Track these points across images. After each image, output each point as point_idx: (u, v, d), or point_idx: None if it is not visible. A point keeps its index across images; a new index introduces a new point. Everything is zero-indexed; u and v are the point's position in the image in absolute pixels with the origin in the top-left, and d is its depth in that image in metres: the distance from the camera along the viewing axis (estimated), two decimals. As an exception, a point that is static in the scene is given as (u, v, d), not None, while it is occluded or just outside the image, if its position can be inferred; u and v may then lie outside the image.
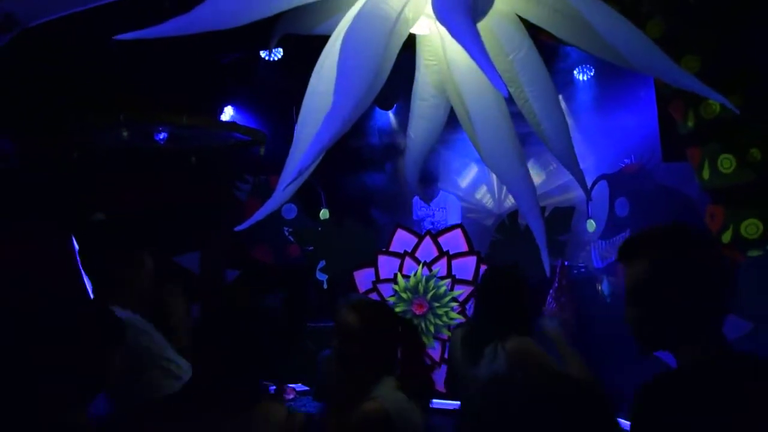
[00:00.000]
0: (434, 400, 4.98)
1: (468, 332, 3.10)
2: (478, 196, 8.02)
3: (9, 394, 1.74)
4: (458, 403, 3.24)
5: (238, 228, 2.50)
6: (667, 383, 1.52)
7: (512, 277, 3.03)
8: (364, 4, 2.11)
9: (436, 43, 2.48)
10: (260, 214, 2.45)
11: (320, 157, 1.94)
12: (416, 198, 6.50)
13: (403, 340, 2.36)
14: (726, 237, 3.62)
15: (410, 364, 2.35)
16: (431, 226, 6.28)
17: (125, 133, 5.00)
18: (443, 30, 2.18)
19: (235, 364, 1.77)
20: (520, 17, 2.38)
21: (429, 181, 6.34)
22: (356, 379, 2.22)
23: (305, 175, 2.00)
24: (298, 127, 2.40)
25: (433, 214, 6.45)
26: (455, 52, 2.36)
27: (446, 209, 6.47)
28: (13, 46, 3.00)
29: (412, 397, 2.21)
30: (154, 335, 2.36)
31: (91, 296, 2.76)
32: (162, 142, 5.45)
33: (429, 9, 2.08)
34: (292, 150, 2.39)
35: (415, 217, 6.61)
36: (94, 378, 1.81)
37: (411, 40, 2.40)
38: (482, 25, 2.05)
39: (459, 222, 6.09)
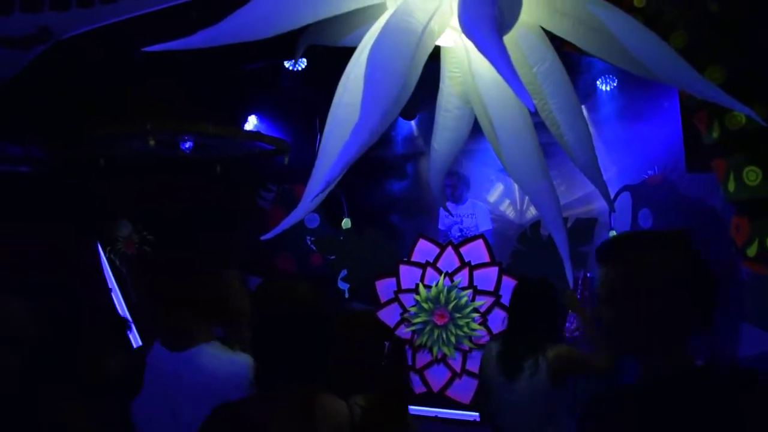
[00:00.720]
0: (452, 412, 5.00)
1: (505, 348, 3.11)
2: (499, 206, 8.01)
3: (15, 390, 1.78)
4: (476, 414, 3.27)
5: (264, 237, 2.53)
6: (618, 398, 1.50)
7: (544, 289, 3.05)
8: (390, 17, 2.14)
9: (461, 54, 2.50)
10: (286, 224, 2.48)
11: (346, 169, 1.97)
12: (441, 209, 6.52)
13: (389, 355, 2.35)
14: (751, 250, 3.58)
15: (391, 379, 2.35)
16: (459, 233, 6.30)
17: (152, 142, 5.08)
18: (468, 42, 2.20)
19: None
20: (543, 29, 2.39)
21: (459, 181, 6.39)
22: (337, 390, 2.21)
23: (331, 186, 2.02)
24: (323, 138, 2.43)
25: (461, 221, 6.47)
26: (480, 64, 2.38)
27: (475, 216, 6.47)
28: (46, 56, 3.09)
29: (388, 412, 2.20)
30: None
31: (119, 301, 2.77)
32: (187, 151, 5.52)
33: (454, 21, 2.10)
34: (318, 161, 2.41)
35: (441, 227, 6.62)
36: (92, 379, 1.84)
37: (434, 50, 2.42)
38: (507, 38, 2.07)
39: (490, 228, 6.09)
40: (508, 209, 8.00)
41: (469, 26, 1.82)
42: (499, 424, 3.11)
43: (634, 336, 1.50)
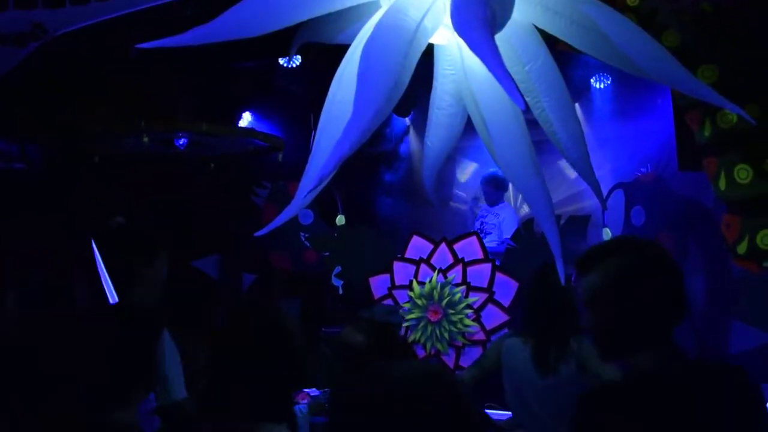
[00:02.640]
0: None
1: (539, 345, 3.07)
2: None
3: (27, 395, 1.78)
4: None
5: (257, 233, 2.54)
6: (610, 393, 1.57)
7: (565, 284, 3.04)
8: (384, 15, 2.15)
9: (454, 52, 2.51)
10: (279, 220, 2.49)
11: (340, 165, 1.98)
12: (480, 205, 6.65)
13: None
14: (742, 248, 3.61)
15: None
16: (479, 226, 6.32)
17: (146, 139, 5.09)
18: (462, 40, 2.21)
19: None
20: (537, 27, 2.41)
21: (500, 186, 6.42)
22: None
23: (324, 182, 2.04)
24: (317, 135, 2.44)
25: (486, 215, 6.47)
26: (473, 62, 2.39)
27: (501, 215, 6.44)
28: (40, 53, 3.10)
29: None
30: None
31: (112, 296, 2.82)
32: (182, 148, 5.53)
33: (448, 19, 2.12)
34: (311, 157, 2.42)
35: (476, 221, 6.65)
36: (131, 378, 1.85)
37: (428, 48, 2.44)
38: (499, 36, 2.08)
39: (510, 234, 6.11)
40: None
41: (460, 24, 1.84)
42: (524, 420, 3.10)
43: (620, 339, 1.58)
